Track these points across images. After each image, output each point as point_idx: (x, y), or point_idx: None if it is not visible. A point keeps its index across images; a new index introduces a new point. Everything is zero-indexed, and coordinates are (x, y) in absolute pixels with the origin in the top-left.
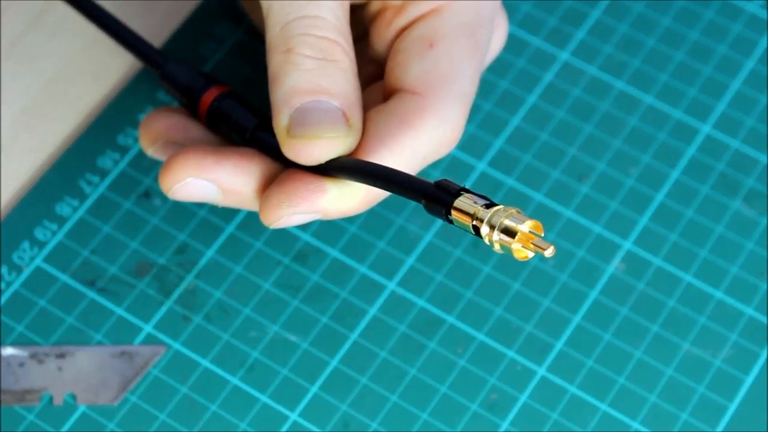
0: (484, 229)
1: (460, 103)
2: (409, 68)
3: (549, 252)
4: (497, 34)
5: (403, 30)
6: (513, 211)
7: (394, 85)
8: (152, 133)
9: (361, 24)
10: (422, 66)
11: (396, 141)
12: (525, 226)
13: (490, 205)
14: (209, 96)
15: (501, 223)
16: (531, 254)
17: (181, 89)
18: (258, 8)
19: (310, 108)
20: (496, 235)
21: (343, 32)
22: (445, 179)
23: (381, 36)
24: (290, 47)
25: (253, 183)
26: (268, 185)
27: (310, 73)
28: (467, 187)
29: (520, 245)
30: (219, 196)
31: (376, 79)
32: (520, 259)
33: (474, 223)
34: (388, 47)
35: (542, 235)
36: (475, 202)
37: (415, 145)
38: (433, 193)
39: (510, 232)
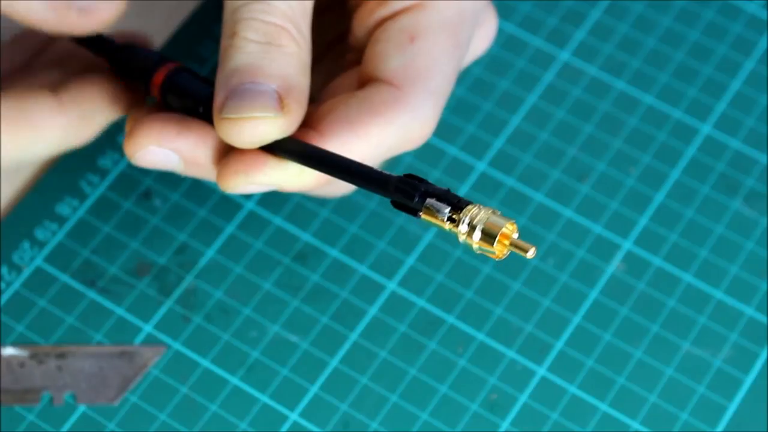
0: (462, 228)
1: (434, 101)
2: (388, 60)
3: (531, 253)
4: (484, 31)
5: (385, 20)
6: (490, 211)
7: (370, 74)
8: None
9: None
10: (402, 59)
11: (364, 128)
12: (505, 228)
13: (456, 204)
14: (161, 72)
15: (481, 225)
16: (506, 253)
17: (133, 69)
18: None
19: (244, 89)
20: (476, 236)
21: (295, 20)
22: (409, 175)
23: (362, 23)
24: (235, 31)
25: (215, 155)
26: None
27: (251, 56)
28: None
29: (499, 246)
30: (180, 165)
31: (354, 64)
32: (496, 259)
33: (449, 226)
34: (368, 35)
35: (517, 235)
36: (441, 207)
37: (383, 136)
38: (398, 192)
39: (490, 235)
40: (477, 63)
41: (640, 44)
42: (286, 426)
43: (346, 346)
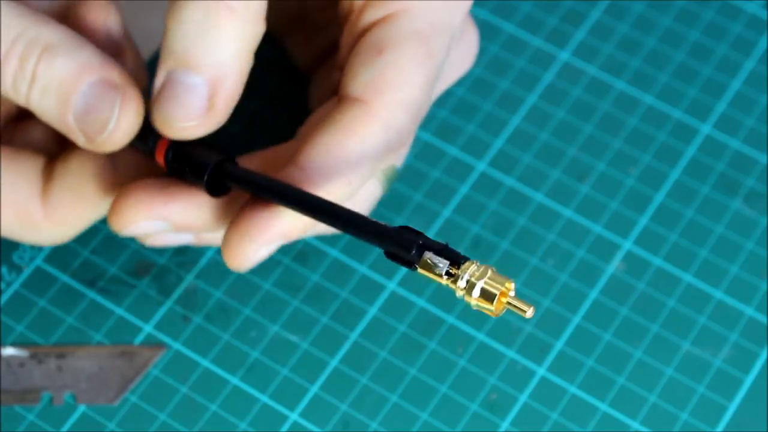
0: (460, 285)
1: (405, 110)
2: (357, 76)
3: (529, 313)
4: (465, 48)
5: (362, 35)
6: (489, 270)
7: (342, 93)
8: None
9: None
10: (370, 73)
11: (341, 151)
12: (504, 288)
13: (455, 259)
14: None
15: (480, 284)
16: (503, 311)
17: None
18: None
19: (175, 84)
20: (475, 294)
21: None
22: (405, 227)
23: (345, 42)
24: (173, 6)
25: (207, 214)
26: (222, 215)
27: (185, 40)
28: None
29: (497, 305)
30: (170, 231)
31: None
32: (492, 316)
33: (446, 281)
34: (349, 52)
35: (513, 293)
36: (438, 262)
37: (362, 153)
38: (395, 245)
39: (489, 295)
40: (477, 63)
41: (640, 44)
42: (286, 426)
43: (346, 346)
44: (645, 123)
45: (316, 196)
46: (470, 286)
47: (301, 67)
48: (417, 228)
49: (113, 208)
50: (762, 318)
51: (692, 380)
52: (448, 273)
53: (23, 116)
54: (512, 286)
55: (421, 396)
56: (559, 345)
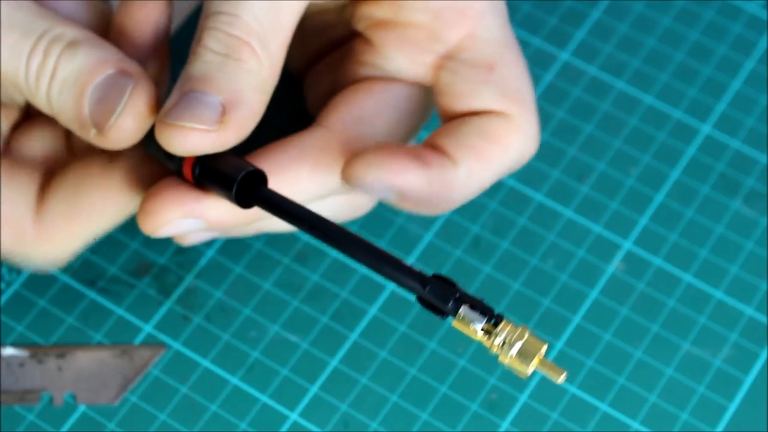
0: (497, 342)
1: (535, 116)
2: (481, 93)
3: (561, 379)
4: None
5: (446, 59)
6: (526, 331)
7: (465, 109)
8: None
9: (344, 24)
10: (495, 89)
11: (486, 155)
12: (541, 350)
13: (491, 316)
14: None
15: (519, 346)
16: (532, 372)
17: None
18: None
19: (190, 98)
20: (512, 354)
21: (262, 36)
22: (439, 276)
23: (410, 56)
24: (200, 39)
25: (240, 209)
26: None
27: (206, 66)
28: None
29: (532, 365)
30: (204, 229)
31: (365, 79)
32: (521, 377)
33: (481, 337)
34: (424, 69)
35: (544, 353)
36: (474, 318)
37: (504, 161)
38: (432, 293)
39: (527, 357)
40: None
41: (640, 44)
42: (286, 426)
43: (346, 346)
44: (645, 123)
45: (350, 232)
46: (507, 347)
47: (293, 70)
48: (416, 227)
49: (144, 209)
50: (762, 318)
51: (692, 380)
52: (483, 329)
53: (24, 122)
54: (545, 349)
55: (421, 396)
56: (559, 345)
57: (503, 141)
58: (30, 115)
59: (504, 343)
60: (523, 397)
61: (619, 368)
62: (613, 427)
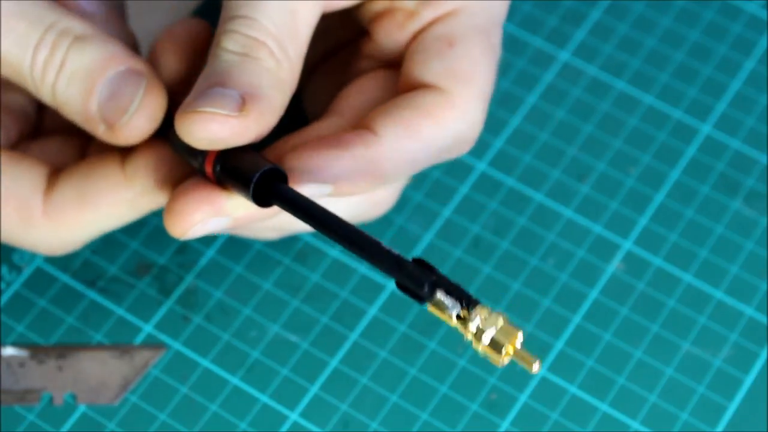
0: (471, 328)
1: (479, 102)
2: (430, 66)
3: (535, 368)
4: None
5: (419, 33)
6: (500, 318)
7: (413, 82)
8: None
9: (354, 23)
10: (444, 64)
11: (417, 128)
12: (514, 339)
13: (467, 302)
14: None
15: (491, 333)
16: (507, 361)
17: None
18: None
19: (209, 92)
20: (485, 341)
21: (279, 38)
22: (419, 260)
23: (391, 36)
24: (218, 41)
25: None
26: None
27: (225, 64)
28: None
29: (505, 356)
30: (230, 226)
31: (368, 72)
32: (496, 365)
33: (455, 323)
34: (401, 48)
35: (521, 342)
36: (449, 302)
37: (435, 137)
38: (409, 278)
39: (497, 347)
40: None
41: (640, 44)
42: (286, 426)
43: (346, 346)
44: (645, 123)
45: (328, 211)
46: (480, 333)
47: None
48: (416, 227)
49: (173, 209)
50: (762, 318)
51: (692, 380)
52: (458, 316)
53: (35, 138)
54: (520, 336)
55: (421, 396)
56: (559, 345)
57: (436, 116)
58: (41, 131)
59: (477, 329)
60: (523, 397)
61: (619, 368)
62: (613, 427)
